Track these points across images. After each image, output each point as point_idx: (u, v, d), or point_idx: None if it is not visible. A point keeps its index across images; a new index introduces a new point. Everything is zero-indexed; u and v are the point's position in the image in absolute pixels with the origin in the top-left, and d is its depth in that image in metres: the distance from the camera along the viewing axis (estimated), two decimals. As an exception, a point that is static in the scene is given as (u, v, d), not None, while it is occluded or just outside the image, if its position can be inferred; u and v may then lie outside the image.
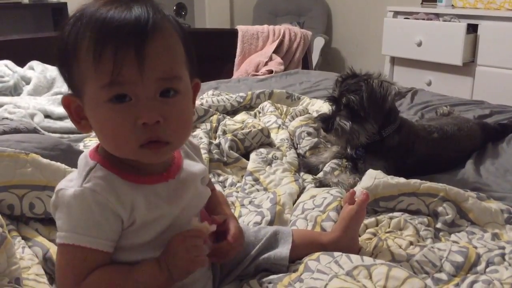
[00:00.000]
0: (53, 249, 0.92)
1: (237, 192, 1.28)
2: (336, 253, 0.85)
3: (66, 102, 0.70)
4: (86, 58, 0.64)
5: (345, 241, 0.92)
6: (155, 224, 0.72)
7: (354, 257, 0.83)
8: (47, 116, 1.84)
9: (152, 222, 0.72)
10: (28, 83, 2.15)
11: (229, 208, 0.91)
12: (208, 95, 2.02)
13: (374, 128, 1.35)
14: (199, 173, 0.81)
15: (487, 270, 0.88)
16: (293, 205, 1.17)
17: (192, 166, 0.80)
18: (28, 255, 0.89)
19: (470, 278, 0.85)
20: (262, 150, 1.48)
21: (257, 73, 2.97)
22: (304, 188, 1.28)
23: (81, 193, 0.67)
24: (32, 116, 1.75)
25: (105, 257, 0.69)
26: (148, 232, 0.72)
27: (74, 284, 0.68)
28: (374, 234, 1.03)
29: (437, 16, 3.17)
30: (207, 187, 0.84)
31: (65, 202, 0.68)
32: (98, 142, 0.75)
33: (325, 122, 1.37)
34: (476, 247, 0.94)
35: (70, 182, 0.70)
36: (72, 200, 0.67)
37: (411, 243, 0.98)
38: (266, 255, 0.87)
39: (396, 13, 3.42)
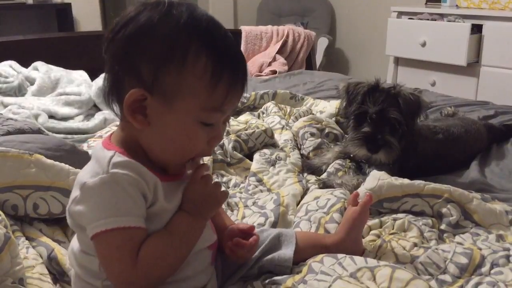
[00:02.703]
0: (57, 249, 0.92)
1: (241, 193, 1.28)
2: (339, 255, 0.85)
3: (134, 94, 0.69)
4: (200, 77, 0.68)
5: (348, 243, 0.92)
6: (167, 214, 0.74)
7: (358, 259, 0.83)
8: (51, 116, 1.84)
9: (166, 211, 0.73)
10: (32, 83, 2.16)
11: (228, 218, 0.93)
12: (212, 96, 2.01)
13: (406, 140, 1.33)
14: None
15: (492, 271, 0.88)
16: (297, 206, 1.16)
17: None
18: (32, 255, 0.90)
19: (475, 279, 0.85)
20: (265, 150, 1.47)
21: (261, 74, 2.97)
22: (307, 189, 1.28)
23: (111, 178, 0.68)
24: (36, 116, 1.76)
25: (145, 233, 0.70)
26: (160, 221, 0.73)
27: (131, 265, 0.68)
28: (378, 236, 1.03)
29: (442, 16, 3.16)
30: None
31: (95, 191, 0.68)
32: (108, 134, 0.76)
33: (369, 142, 1.30)
34: (480, 249, 0.94)
35: (89, 173, 0.70)
36: (102, 187, 0.68)
37: (415, 245, 0.98)
38: (269, 257, 0.87)
39: (400, 14, 3.41)
